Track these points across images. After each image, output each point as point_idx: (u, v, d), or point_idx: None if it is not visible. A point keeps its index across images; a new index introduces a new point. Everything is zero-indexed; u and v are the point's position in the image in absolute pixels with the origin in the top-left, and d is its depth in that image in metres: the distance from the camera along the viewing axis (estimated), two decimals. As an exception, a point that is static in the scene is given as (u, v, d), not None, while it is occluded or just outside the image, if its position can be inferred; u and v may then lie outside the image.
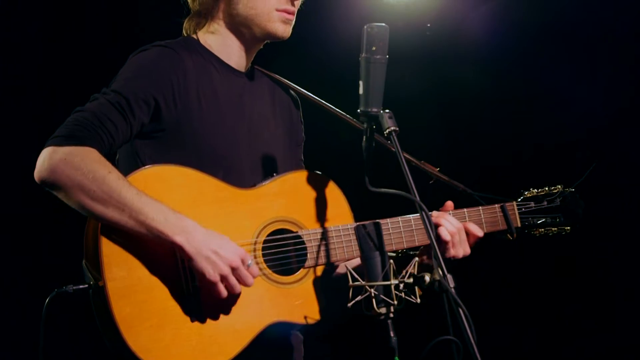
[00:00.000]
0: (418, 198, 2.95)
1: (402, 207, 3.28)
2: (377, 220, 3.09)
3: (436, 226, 3.40)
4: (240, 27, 3.39)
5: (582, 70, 5.48)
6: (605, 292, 5.60)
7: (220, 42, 3.42)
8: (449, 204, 3.54)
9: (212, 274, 3.05)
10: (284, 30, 3.39)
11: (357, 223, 3.22)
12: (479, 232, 3.48)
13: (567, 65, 5.53)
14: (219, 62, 3.40)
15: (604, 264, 5.58)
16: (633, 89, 5.41)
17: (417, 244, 3.45)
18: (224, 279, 3.07)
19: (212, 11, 3.42)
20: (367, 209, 3.41)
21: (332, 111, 3.59)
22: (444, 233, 3.39)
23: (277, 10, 3.35)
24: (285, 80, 3.61)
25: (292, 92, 3.63)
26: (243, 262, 3.10)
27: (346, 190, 3.45)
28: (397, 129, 3.01)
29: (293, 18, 3.40)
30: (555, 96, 5.59)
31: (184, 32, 3.49)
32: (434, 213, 3.45)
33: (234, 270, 3.08)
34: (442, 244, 3.38)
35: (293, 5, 3.38)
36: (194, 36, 3.45)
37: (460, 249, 3.42)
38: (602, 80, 5.44)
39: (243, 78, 3.46)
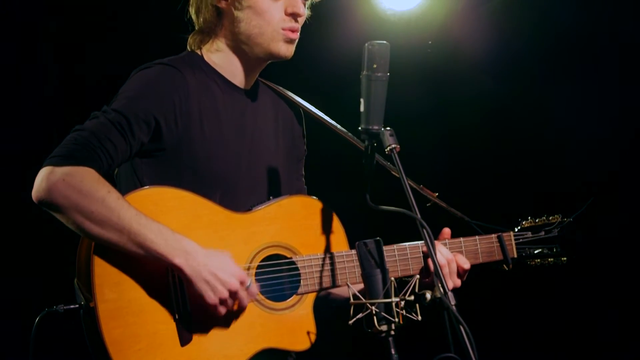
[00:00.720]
0: (419, 216, 2.95)
1: (402, 226, 3.27)
2: (378, 238, 3.08)
3: (427, 256, 3.40)
4: (242, 45, 3.38)
5: (587, 90, 5.49)
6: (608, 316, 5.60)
7: (224, 59, 3.41)
8: (446, 231, 3.54)
9: (212, 297, 3.05)
10: (287, 49, 3.38)
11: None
12: (466, 265, 3.45)
13: (571, 85, 5.53)
14: (221, 80, 3.40)
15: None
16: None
17: (411, 272, 3.43)
18: (222, 302, 3.07)
19: (215, 29, 3.41)
20: (367, 227, 3.41)
21: (334, 129, 3.59)
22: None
23: (282, 29, 3.35)
24: (290, 94, 3.61)
25: (295, 106, 3.62)
26: (242, 283, 3.09)
27: (347, 208, 3.44)
28: (398, 146, 3.01)
29: (296, 37, 3.39)
30: (559, 115, 5.59)
31: (188, 47, 3.48)
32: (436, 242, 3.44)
33: (233, 293, 3.08)
34: (431, 275, 3.34)
35: (297, 21, 3.37)
36: (198, 52, 3.44)
37: (450, 281, 3.40)
38: (608, 103, 5.45)
39: (245, 96, 3.45)
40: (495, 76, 5.64)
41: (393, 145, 3.01)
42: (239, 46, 3.39)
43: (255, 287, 3.16)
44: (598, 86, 5.50)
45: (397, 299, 2.92)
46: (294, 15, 3.36)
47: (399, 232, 3.42)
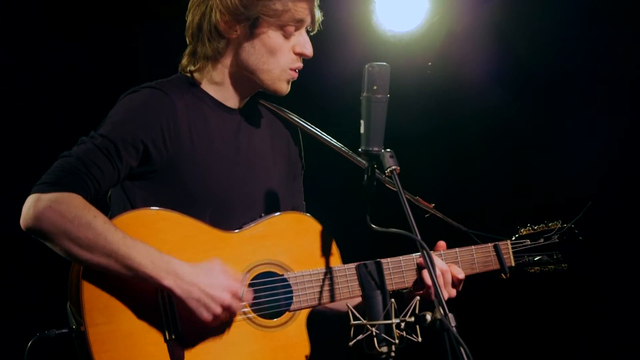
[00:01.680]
0: (419, 237, 2.95)
1: (402, 246, 3.27)
2: (378, 260, 3.08)
3: (421, 267, 3.40)
4: (245, 72, 3.37)
5: (583, 113, 5.51)
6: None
7: (218, 83, 3.40)
8: (441, 244, 3.53)
9: (205, 315, 3.06)
10: (287, 88, 3.40)
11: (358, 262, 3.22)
12: (460, 274, 3.44)
13: (569, 108, 5.56)
14: (212, 101, 3.39)
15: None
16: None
17: (406, 285, 3.42)
18: (216, 317, 3.07)
19: (217, 57, 3.38)
20: (367, 246, 3.41)
21: (331, 146, 3.59)
22: (427, 276, 3.37)
23: (290, 69, 3.36)
24: (287, 112, 3.60)
25: (292, 124, 3.61)
26: (235, 295, 3.10)
27: (347, 228, 3.44)
28: (398, 168, 3.02)
29: (297, 76, 3.41)
30: (557, 137, 5.60)
31: (180, 68, 3.46)
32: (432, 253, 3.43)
33: (226, 307, 3.08)
34: (426, 286, 3.37)
35: (300, 62, 3.39)
36: (189, 75, 3.42)
37: (445, 292, 3.39)
38: (606, 126, 5.46)
39: (238, 115, 3.44)
40: (495, 97, 5.65)
41: (393, 167, 3.01)
42: (241, 73, 3.38)
43: (248, 294, 3.16)
44: (597, 107, 5.52)
45: (398, 320, 2.92)
46: (302, 56, 3.38)
47: (398, 247, 3.42)
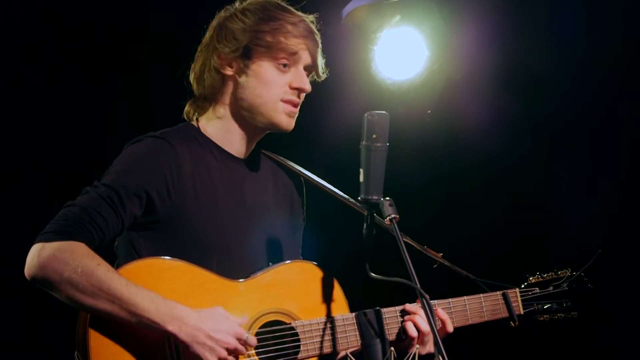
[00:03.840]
0: (419, 285, 2.94)
1: (401, 293, 3.27)
2: (378, 308, 3.08)
3: (405, 319, 3.37)
4: (244, 112, 3.40)
5: (584, 164, 5.53)
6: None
7: (222, 128, 3.43)
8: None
9: (211, 359, 3.04)
10: (288, 122, 3.40)
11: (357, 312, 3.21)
12: (449, 328, 3.42)
13: (571, 154, 5.57)
14: (218, 150, 3.41)
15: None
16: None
17: (389, 338, 3.38)
18: None
19: (216, 96, 3.43)
20: (367, 294, 3.40)
21: (335, 195, 3.59)
22: (412, 329, 3.34)
23: (283, 100, 3.37)
24: (290, 163, 3.61)
25: (296, 175, 3.63)
26: (239, 339, 3.09)
27: (347, 276, 3.43)
28: (398, 216, 3.02)
29: (297, 111, 3.42)
30: (556, 188, 5.61)
31: (184, 115, 3.50)
32: (408, 306, 3.39)
33: (231, 351, 3.08)
34: (408, 338, 3.35)
35: (299, 97, 3.41)
36: (194, 123, 3.46)
37: (425, 348, 3.37)
38: (601, 178, 5.48)
39: (243, 165, 3.46)
40: (494, 146, 5.66)
41: (393, 215, 3.02)
42: (240, 113, 3.41)
43: (253, 339, 3.15)
44: (598, 154, 5.54)
45: (397, 370, 2.92)
46: (299, 90, 3.39)
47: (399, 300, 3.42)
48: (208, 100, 3.45)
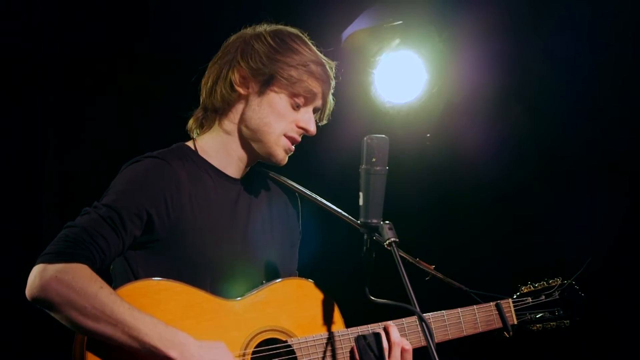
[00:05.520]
0: (418, 309, 2.95)
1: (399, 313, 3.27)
2: (377, 331, 3.08)
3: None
4: (247, 134, 3.41)
5: (583, 188, 5.54)
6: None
7: (220, 147, 3.44)
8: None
9: None
10: (283, 157, 3.43)
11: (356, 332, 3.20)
12: (407, 345, 3.37)
13: (570, 178, 5.59)
14: (213, 170, 3.42)
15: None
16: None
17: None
18: None
19: (226, 110, 3.43)
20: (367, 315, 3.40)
21: (332, 211, 3.59)
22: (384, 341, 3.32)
23: (286, 135, 3.40)
24: (283, 178, 3.61)
25: (290, 190, 3.63)
26: None
27: (346, 297, 3.44)
28: (397, 239, 3.02)
29: (293, 150, 3.45)
30: (553, 213, 5.62)
31: (187, 128, 3.52)
32: (389, 323, 3.38)
33: None
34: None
35: (299, 136, 3.43)
36: (189, 144, 3.46)
37: None
38: (598, 207, 5.49)
39: (238, 184, 3.47)
40: (494, 169, 5.67)
41: (392, 239, 3.02)
42: (243, 134, 3.42)
43: None
44: (598, 178, 5.55)
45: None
46: (303, 131, 3.42)
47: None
48: (216, 112, 3.46)
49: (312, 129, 3.43)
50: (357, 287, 3.06)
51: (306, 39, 3.48)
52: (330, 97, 3.49)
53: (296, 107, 3.40)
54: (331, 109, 3.52)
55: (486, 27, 5.43)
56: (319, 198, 3.59)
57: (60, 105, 5.18)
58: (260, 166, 3.56)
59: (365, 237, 3.02)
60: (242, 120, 3.42)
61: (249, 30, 3.47)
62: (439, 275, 3.68)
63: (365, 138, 3.04)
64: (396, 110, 5.61)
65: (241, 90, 3.41)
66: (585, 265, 3.70)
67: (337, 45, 5.45)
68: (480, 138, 5.63)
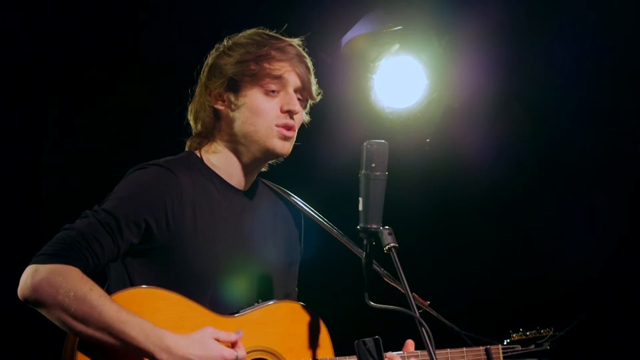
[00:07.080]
0: (418, 314, 2.94)
1: (400, 323, 3.25)
2: (377, 337, 3.06)
3: None
4: (240, 146, 3.41)
5: (583, 199, 5.53)
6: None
7: (222, 160, 3.44)
8: (409, 342, 3.48)
9: None
10: (283, 146, 3.41)
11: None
12: None
13: (570, 187, 5.58)
14: (219, 181, 3.42)
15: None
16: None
17: None
18: None
19: (213, 132, 3.46)
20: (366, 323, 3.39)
21: (332, 233, 3.59)
22: None
23: (277, 125, 3.39)
24: (290, 195, 3.62)
25: (295, 208, 3.63)
26: None
27: (346, 305, 3.42)
28: (397, 245, 3.02)
29: (292, 135, 3.42)
30: (555, 224, 5.61)
31: (186, 148, 3.52)
32: (388, 354, 3.37)
33: None
34: None
35: (292, 119, 3.41)
36: (197, 153, 3.47)
37: None
38: (599, 213, 5.48)
39: (243, 197, 3.47)
40: (493, 174, 5.66)
41: (392, 244, 3.01)
42: (237, 147, 3.43)
43: (242, 352, 3.13)
44: (600, 186, 5.54)
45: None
46: (290, 113, 3.40)
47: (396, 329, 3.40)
48: (206, 136, 3.48)
49: (295, 107, 3.40)
50: (358, 292, 3.05)
51: (262, 31, 3.48)
52: (310, 73, 3.46)
53: (273, 95, 3.39)
54: (316, 85, 3.49)
55: (486, 32, 5.43)
56: (322, 219, 3.60)
57: (60, 105, 5.18)
58: (265, 176, 3.57)
59: (365, 242, 3.01)
60: (231, 133, 3.42)
61: (213, 52, 3.51)
62: (433, 312, 3.67)
63: (364, 143, 3.02)
64: (396, 115, 5.61)
65: (220, 107, 3.43)
66: (578, 320, 3.69)
67: (336, 50, 5.45)
68: (480, 143, 5.62)
